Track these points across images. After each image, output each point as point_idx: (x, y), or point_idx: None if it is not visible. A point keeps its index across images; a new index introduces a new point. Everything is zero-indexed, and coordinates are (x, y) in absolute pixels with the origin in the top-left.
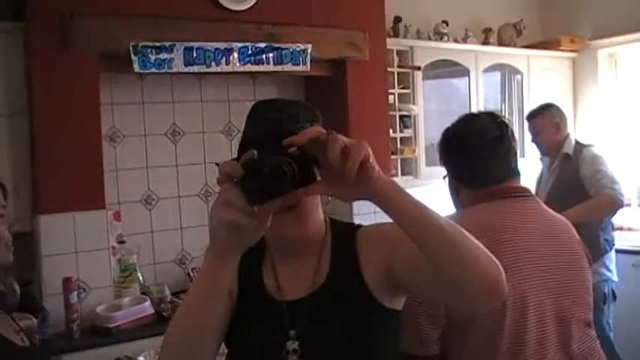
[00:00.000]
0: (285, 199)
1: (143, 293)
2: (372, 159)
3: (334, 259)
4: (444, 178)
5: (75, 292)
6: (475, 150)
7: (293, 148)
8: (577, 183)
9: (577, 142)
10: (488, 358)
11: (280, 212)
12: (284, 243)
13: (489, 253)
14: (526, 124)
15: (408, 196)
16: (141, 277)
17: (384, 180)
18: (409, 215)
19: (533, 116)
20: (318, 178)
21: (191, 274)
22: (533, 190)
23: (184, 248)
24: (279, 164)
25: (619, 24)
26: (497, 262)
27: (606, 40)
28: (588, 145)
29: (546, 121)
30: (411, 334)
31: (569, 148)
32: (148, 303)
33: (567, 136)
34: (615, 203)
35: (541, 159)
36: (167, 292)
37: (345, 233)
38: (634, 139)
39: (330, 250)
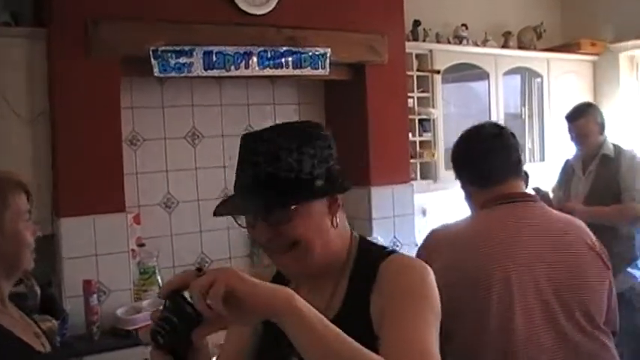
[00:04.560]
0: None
1: None
2: (244, 288)
3: (350, 291)
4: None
5: (95, 295)
6: (476, 145)
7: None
8: (616, 184)
9: (614, 144)
10: None
11: (279, 251)
12: (293, 276)
13: None
14: (549, 126)
15: (310, 319)
16: (160, 280)
17: (275, 303)
18: (309, 342)
19: (577, 117)
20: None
21: None
22: (555, 193)
23: (204, 251)
24: (152, 329)
25: (639, 27)
26: None
27: (628, 43)
28: (627, 149)
29: (591, 122)
30: None
31: (608, 150)
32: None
33: (606, 137)
34: (636, 219)
35: (571, 162)
36: (186, 295)
37: (368, 262)
38: None
39: (347, 280)
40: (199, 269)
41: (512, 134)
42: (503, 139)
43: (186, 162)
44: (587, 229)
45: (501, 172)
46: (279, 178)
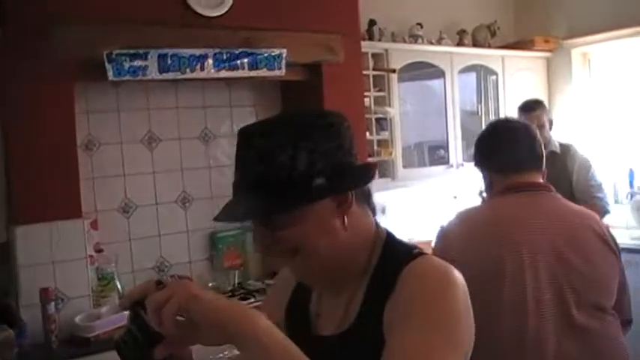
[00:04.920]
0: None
1: None
2: (199, 308)
3: (366, 300)
4: (480, 193)
5: (53, 303)
6: (507, 133)
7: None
8: (565, 181)
9: (559, 142)
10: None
11: (282, 257)
12: (308, 283)
13: None
14: None
15: (269, 348)
16: (119, 286)
17: (232, 328)
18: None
19: (534, 109)
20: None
21: (169, 281)
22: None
23: (163, 255)
24: (116, 340)
25: (591, 24)
26: None
27: (579, 40)
28: (570, 144)
29: (544, 115)
30: None
31: (555, 147)
32: (126, 312)
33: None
34: (602, 214)
35: None
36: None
37: (390, 267)
38: (608, 137)
39: (366, 286)
40: (159, 282)
41: (534, 130)
42: (529, 131)
43: (143, 166)
44: (597, 218)
45: (525, 162)
46: (270, 178)
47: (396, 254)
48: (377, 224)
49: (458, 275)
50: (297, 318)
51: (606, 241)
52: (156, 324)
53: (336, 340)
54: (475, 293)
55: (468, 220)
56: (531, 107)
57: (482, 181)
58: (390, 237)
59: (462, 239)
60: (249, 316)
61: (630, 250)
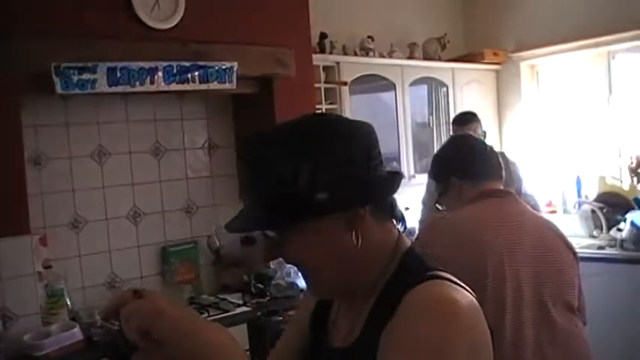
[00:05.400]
0: None
1: (72, 319)
2: (161, 326)
3: (370, 319)
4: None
5: (1, 322)
6: (476, 144)
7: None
8: None
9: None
10: None
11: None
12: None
13: None
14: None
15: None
16: (69, 303)
17: (192, 345)
18: None
19: (468, 121)
20: None
21: None
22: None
23: (114, 271)
24: (102, 347)
25: (539, 37)
26: None
27: (527, 53)
28: (503, 152)
29: (479, 128)
30: None
31: None
32: (77, 329)
33: None
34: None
35: None
36: (97, 317)
37: (398, 286)
38: (557, 147)
39: (373, 302)
40: (136, 291)
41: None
42: (487, 145)
43: (93, 180)
44: (553, 222)
45: (493, 171)
46: (269, 191)
47: (407, 273)
48: (399, 238)
49: (467, 309)
50: (318, 328)
51: (567, 242)
52: (128, 336)
53: (341, 353)
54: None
55: (449, 226)
56: (466, 120)
57: (443, 192)
58: (408, 254)
59: (445, 246)
60: (208, 330)
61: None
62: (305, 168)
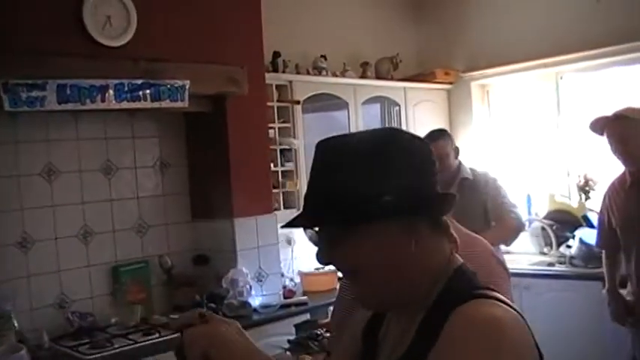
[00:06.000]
0: None
1: (19, 341)
2: (221, 355)
3: (417, 336)
4: None
5: None
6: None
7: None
8: (479, 206)
9: (470, 168)
10: None
11: (345, 276)
12: (363, 306)
13: None
14: None
15: None
16: (16, 324)
17: None
18: None
19: (436, 138)
20: None
21: (71, 317)
22: None
23: (64, 291)
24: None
25: (489, 57)
26: None
27: (478, 73)
28: (481, 171)
29: (449, 144)
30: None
31: (467, 173)
32: (24, 351)
33: (460, 161)
34: (518, 228)
35: None
36: (45, 338)
37: (446, 304)
38: (507, 166)
39: (421, 320)
40: (202, 315)
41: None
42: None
43: (42, 199)
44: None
45: None
46: (333, 192)
47: (455, 291)
48: (451, 255)
49: (513, 328)
50: (369, 340)
51: (498, 258)
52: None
53: None
54: None
55: None
56: (435, 137)
57: None
58: (458, 271)
59: None
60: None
61: (528, 275)
62: (376, 171)
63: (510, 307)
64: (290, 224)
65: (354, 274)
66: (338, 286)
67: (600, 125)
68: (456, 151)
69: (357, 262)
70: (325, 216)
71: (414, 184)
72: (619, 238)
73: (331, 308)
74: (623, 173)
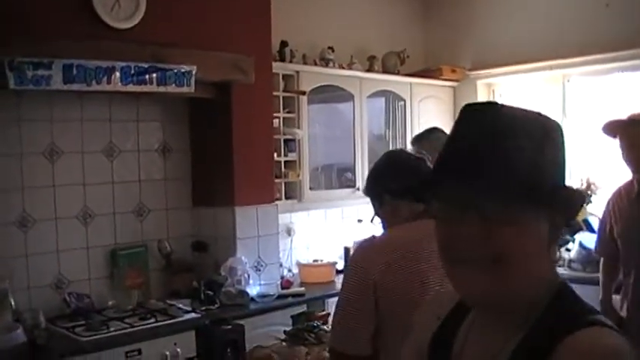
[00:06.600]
0: None
1: (16, 320)
2: None
3: (516, 356)
4: (374, 215)
5: None
6: (409, 165)
7: None
8: None
9: None
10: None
11: (474, 265)
12: (473, 304)
13: None
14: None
15: None
16: (13, 303)
17: None
18: None
19: (419, 140)
20: None
21: (68, 298)
22: None
23: (61, 272)
24: None
25: (496, 56)
26: None
27: (484, 72)
28: None
29: (434, 145)
30: (343, 333)
31: None
32: (20, 330)
33: None
34: None
35: None
36: (42, 319)
37: (553, 325)
38: None
39: (521, 338)
40: None
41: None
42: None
43: (43, 179)
44: None
45: None
46: (513, 168)
47: (563, 313)
48: (555, 271)
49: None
50: (440, 357)
51: None
52: None
53: None
54: (398, 316)
55: (387, 244)
56: (422, 136)
57: (378, 209)
58: (565, 289)
59: (385, 263)
60: None
61: None
62: (538, 159)
63: (619, 333)
64: (436, 189)
65: (493, 264)
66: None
67: (614, 128)
68: None
69: (507, 249)
70: (505, 188)
71: (563, 180)
72: (619, 248)
73: (329, 301)
74: (631, 181)
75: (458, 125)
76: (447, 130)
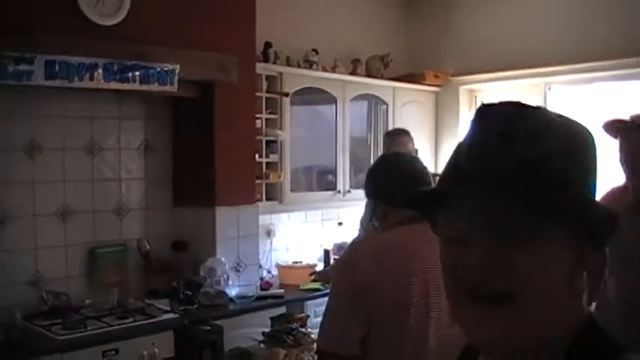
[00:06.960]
0: None
1: None
2: None
3: None
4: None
5: None
6: (399, 170)
7: None
8: None
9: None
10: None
11: (482, 303)
12: (485, 349)
13: None
14: None
15: None
16: None
17: None
18: None
19: (400, 133)
20: None
21: (45, 296)
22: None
23: (38, 269)
24: None
25: (479, 63)
26: None
27: (467, 77)
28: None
29: (410, 142)
30: (333, 333)
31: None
32: None
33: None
34: None
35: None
36: (17, 316)
37: None
38: None
39: None
40: None
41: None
42: (418, 164)
43: (22, 174)
44: None
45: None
46: (537, 180)
47: (595, 348)
48: (580, 305)
49: None
50: None
51: None
52: None
53: None
54: (387, 317)
55: (376, 247)
56: (396, 132)
57: (375, 210)
58: (591, 324)
59: (372, 267)
60: None
61: None
62: (569, 170)
63: None
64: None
65: (501, 300)
66: None
67: (615, 128)
68: (416, 152)
69: (526, 278)
70: (528, 202)
71: (594, 196)
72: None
73: (308, 303)
74: (625, 187)
75: (474, 128)
76: (414, 135)
